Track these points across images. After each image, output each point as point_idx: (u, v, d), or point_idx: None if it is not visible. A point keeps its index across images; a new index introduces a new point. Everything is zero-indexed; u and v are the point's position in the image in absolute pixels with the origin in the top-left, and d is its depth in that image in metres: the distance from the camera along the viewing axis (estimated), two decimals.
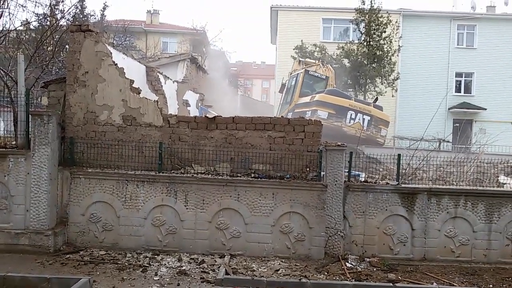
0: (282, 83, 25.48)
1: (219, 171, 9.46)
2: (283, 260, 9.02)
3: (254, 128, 9.48)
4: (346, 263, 8.86)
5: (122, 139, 9.53)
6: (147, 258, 8.78)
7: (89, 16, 28.52)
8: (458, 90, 30.84)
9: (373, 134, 17.96)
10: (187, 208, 9.20)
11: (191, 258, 8.89)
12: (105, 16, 29.74)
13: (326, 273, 8.37)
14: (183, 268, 8.36)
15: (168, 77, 16.58)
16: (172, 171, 9.45)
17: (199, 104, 20.98)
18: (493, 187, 10.55)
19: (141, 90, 9.75)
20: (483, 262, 9.34)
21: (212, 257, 9.05)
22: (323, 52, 27.02)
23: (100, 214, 9.30)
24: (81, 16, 27.66)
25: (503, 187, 10.81)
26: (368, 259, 9.09)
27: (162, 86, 14.33)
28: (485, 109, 29.77)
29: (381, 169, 13.92)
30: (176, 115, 9.80)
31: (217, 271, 8.15)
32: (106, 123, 9.60)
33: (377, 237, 9.38)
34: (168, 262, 8.63)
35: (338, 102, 17.51)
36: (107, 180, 9.25)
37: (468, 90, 30.79)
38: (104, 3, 29.10)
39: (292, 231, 9.19)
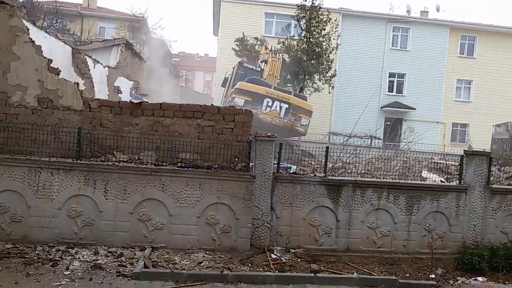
0: (224, 77, 25.23)
1: (144, 159, 9.02)
2: (207, 252, 8.78)
3: (183, 115, 9.12)
4: (271, 255, 8.81)
5: (36, 123, 8.78)
6: (59, 252, 8.17)
7: None
8: (391, 89, 32.18)
9: (291, 123, 18.08)
10: (106, 199, 8.67)
11: (109, 251, 8.40)
12: None
13: (250, 265, 8.26)
14: (99, 261, 7.88)
15: (98, 61, 15.68)
16: (92, 159, 8.87)
17: (133, 92, 20.14)
18: (416, 181, 10.99)
19: (60, 71, 9.04)
20: (402, 252, 9.69)
21: (132, 250, 8.60)
22: (264, 46, 26.97)
23: (8, 204, 8.50)
24: None
25: (425, 181, 11.31)
26: (293, 250, 9.10)
27: (89, 69, 13.48)
28: (414, 108, 31.34)
29: (313, 163, 14.15)
30: (98, 98, 9.20)
31: (135, 264, 7.77)
32: (19, 105, 8.82)
33: (303, 228, 9.42)
34: (83, 256, 8.09)
35: (255, 90, 17.69)
36: (18, 167, 8.48)
37: (400, 90, 32.22)
38: None
39: (218, 223, 8.97)
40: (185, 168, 8.90)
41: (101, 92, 15.24)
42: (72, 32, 31.48)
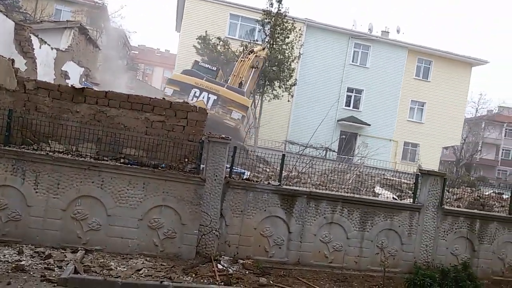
0: None
1: (82, 152, 8.10)
2: (148, 259, 8.01)
3: (130, 107, 8.31)
4: (218, 265, 8.18)
5: None
6: None
7: None
8: (348, 104, 32.53)
9: (219, 115, 17.61)
10: (36, 192, 7.69)
11: (35, 252, 7.44)
12: None
13: (194, 275, 7.59)
14: (22, 263, 6.92)
15: (45, 42, 14.40)
16: (23, 146, 7.85)
17: (83, 79, 18.85)
18: (369, 196, 10.75)
19: None
20: (353, 269, 9.36)
21: (63, 251, 7.68)
22: (226, 47, 26.41)
23: None
24: None
25: (378, 197, 11.11)
26: (242, 261, 8.53)
27: (33, 49, 12.27)
28: (369, 125, 31.86)
29: (268, 170, 13.67)
30: (35, 79, 8.18)
31: (64, 268, 6.87)
32: None
33: (253, 238, 8.87)
34: (4, 255, 7.11)
35: (185, 80, 17.51)
36: None
37: (356, 105, 32.66)
38: None
39: (162, 227, 8.22)
40: (129, 165, 8.08)
41: (46, 76, 13.99)
42: (24, 10, 29.46)
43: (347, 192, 10.73)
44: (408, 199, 10.67)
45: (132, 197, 8.06)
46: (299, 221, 9.09)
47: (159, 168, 8.29)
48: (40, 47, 13.65)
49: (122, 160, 8.20)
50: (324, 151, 22.10)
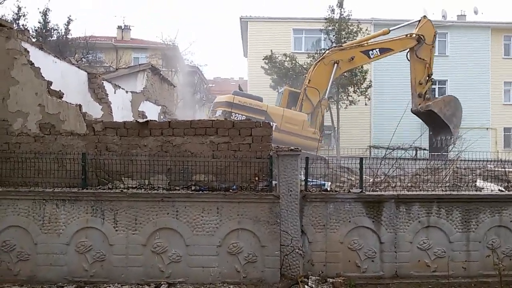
0: None
1: (154, 184, 8.12)
2: (231, 286, 7.73)
3: (194, 133, 8.21)
4: (306, 286, 7.60)
5: (39, 151, 8.15)
6: None
7: (53, 31, 27.23)
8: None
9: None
10: (116, 230, 7.81)
11: None
12: (69, 30, 28.40)
13: None
14: None
15: (119, 86, 15.27)
16: (99, 187, 8.08)
17: (162, 117, 19.67)
18: (469, 191, 9.45)
19: (62, 94, 8.42)
20: (462, 276, 8.18)
21: (148, 287, 7.66)
22: (293, 61, 26.12)
23: (14, 242, 7.84)
24: (44, 31, 26.36)
25: (481, 191, 9.75)
26: (331, 280, 7.84)
27: (107, 94, 13.01)
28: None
29: (352, 178, 12.83)
30: (102, 120, 8.47)
31: None
32: (21, 132, 8.24)
33: (341, 253, 8.14)
34: None
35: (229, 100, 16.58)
36: (22, 201, 7.82)
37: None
38: (68, 17, 27.80)
39: (242, 251, 7.87)
40: (200, 192, 7.92)
41: (125, 118, 14.69)
42: (105, 64, 32.14)
43: (445, 191, 9.56)
44: None
45: (207, 223, 7.85)
46: (390, 229, 8.19)
47: (231, 190, 8.02)
48: (115, 92, 14.48)
49: (193, 188, 8.08)
50: (414, 150, 20.54)
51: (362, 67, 24.31)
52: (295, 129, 15.94)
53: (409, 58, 18.12)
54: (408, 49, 18.12)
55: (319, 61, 17.44)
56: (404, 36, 17.98)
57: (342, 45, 19.75)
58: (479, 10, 33.63)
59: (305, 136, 16.15)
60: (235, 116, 15.00)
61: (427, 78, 17.80)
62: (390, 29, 18.19)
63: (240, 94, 16.75)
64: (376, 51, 17.54)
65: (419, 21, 18.23)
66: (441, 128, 17.06)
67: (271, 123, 11.49)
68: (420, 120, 29.00)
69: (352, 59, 17.18)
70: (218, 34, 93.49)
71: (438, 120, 17.08)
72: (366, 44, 17.82)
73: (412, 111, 18.06)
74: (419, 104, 17.53)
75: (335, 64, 16.70)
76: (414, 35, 17.57)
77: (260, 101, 16.54)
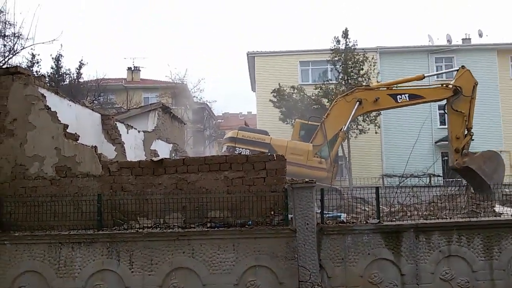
0: None
1: (170, 223, 8.10)
2: None
3: (208, 169, 8.24)
4: None
5: (55, 194, 8.23)
6: None
7: (65, 75, 28.01)
8: (443, 122, 30.01)
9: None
10: (132, 272, 7.74)
11: None
12: (81, 74, 29.19)
13: None
14: None
15: (132, 126, 15.47)
16: (114, 228, 8.08)
17: (173, 155, 19.77)
18: (489, 217, 9.25)
19: (78, 136, 8.58)
20: None
21: None
22: (302, 93, 26.36)
23: (29, 287, 7.79)
24: (57, 76, 27.14)
25: (499, 217, 9.53)
26: None
27: (120, 135, 13.19)
28: (472, 139, 28.88)
29: (367, 209, 12.65)
30: (117, 161, 8.57)
31: None
32: (37, 176, 8.36)
33: (361, 287, 7.92)
34: None
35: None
36: (37, 245, 7.86)
37: None
38: (80, 61, 28.61)
39: None
40: (216, 229, 7.88)
41: (137, 157, 14.79)
42: (117, 105, 32.74)
43: (463, 218, 9.37)
44: None
45: (224, 261, 7.75)
46: (411, 260, 7.99)
47: (246, 226, 7.96)
48: (127, 132, 14.66)
49: (208, 225, 8.03)
50: (427, 178, 20.24)
51: None
52: (300, 159, 15.79)
53: (446, 112, 17.35)
54: (442, 100, 17.42)
55: (342, 96, 17.16)
56: (440, 86, 17.31)
57: (369, 85, 19.32)
58: (483, 33, 33.96)
59: (311, 166, 15.96)
60: (239, 151, 15.05)
61: (466, 132, 16.77)
62: (425, 75, 17.60)
63: (246, 129, 16.97)
64: (405, 97, 16.61)
65: (457, 70, 17.47)
66: (481, 184, 15.81)
67: None
68: (433, 147, 28.88)
69: (377, 100, 16.64)
70: (226, 69, 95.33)
71: (477, 176, 15.92)
72: (395, 88, 17.24)
73: (450, 167, 17.12)
74: (456, 160, 16.37)
75: (357, 103, 16.32)
76: (450, 86, 16.80)
77: (266, 135, 16.64)
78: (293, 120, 21.99)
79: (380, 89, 16.91)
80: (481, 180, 15.59)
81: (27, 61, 24.39)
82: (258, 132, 16.56)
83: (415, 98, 16.50)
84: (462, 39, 33.50)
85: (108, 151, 12.00)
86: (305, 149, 15.95)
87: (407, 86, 16.95)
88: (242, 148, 15.31)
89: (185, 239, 7.77)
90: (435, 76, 26.49)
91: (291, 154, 15.52)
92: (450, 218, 9.41)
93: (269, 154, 8.86)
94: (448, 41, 33.23)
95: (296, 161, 15.46)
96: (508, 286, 7.92)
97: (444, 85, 16.61)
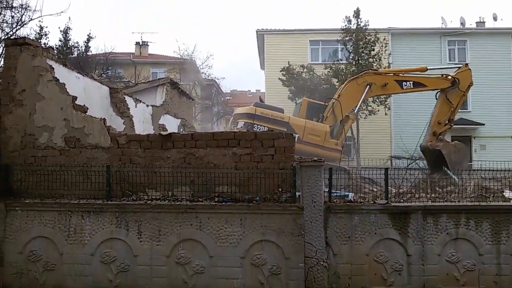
0: None
1: (178, 196, 8.14)
2: None
3: (217, 145, 8.22)
4: None
5: (65, 164, 8.28)
6: None
7: (73, 48, 27.88)
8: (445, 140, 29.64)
9: None
10: (141, 241, 7.85)
11: None
12: (89, 47, 29.04)
13: None
14: None
15: (140, 101, 15.44)
16: (123, 198, 8.14)
17: (181, 130, 19.79)
18: (498, 202, 9.20)
19: (87, 108, 8.57)
20: None
21: None
22: (311, 73, 26.10)
23: (40, 252, 7.99)
24: (65, 49, 27.02)
25: (509, 202, 9.48)
26: None
27: (128, 108, 13.16)
28: (483, 124, 28.60)
29: (375, 189, 12.65)
30: (125, 133, 8.58)
31: None
32: (47, 146, 8.41)
33: (366, 266, 7.97)
34: None
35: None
36: (48, 212, 7.97)
37: (464, 106, 29.59)
38: (88, 35, 28.43)
39: (266, 263, 7.79)
40: (223, 203, 7.92)
41: (146, 131, 14.80)
42: (125, 79, 32.67)
43: (471, 202, 9.33)
44: None
45: (231, 235, 7.82)
46: (417, 241, 7.99)
47: (254, 202, 7.98)
48: (136, 106, 14.63)
49: (216, 199, 8.07)
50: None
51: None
52: (317, 140, 15.77)
53: (437, 98, 17.93)
54: (439, 89, 17.95)
55: (352, 79, 17.39)
56: (440, 76, 17.83)
57: (378, 69, 19.74)
58: (498, 17, 33.20)
59: (328, 147, 15.98)
60: (257, 128, 14.92)
61: (448, 121, 17.55)
62: (428, 67, 18.11)
63: (262, 105, 16.66)
64: (410, 84, 17.35)
65: (460, 67, 18.11)
66: (438, 169, 16.62)
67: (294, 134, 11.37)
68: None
69: (385, 85, 17.07)
70: (235, 47, 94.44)
71: (441, 163, 16.66)
72: (401, 75, 17.74)
73: (421, 146, 17.80)
74: (430, 142, 17.20)
75: (368, 86, 16.61)
76: (449, 77, 17.38)
77: (282, 113, 16.47)
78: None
79: (388, 74, 17.36)
80: (440, 164, 16.11)
81: (35, 33, 24.27)
82: (274, 110, 16.40)
83: (418, 85, 17.27)
84: (476, 23, 32.78)
85: (117, 124, 12.00)
86: (322, 130, 15.90)
87: (412, 74, 17.50)
88: (261, 126, 15.18)
89: (193, 212, 7.83)
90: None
91: (309, 134, 15.58)
92: (458, 201, 9.40)
93: (289, 132, 8.76)
94: (461, 24, 32.52)
95: (314, 141, 15.50)
96: None
97: (444, 75, 17.17)
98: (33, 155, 8.40)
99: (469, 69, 17.58)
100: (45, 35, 24.84)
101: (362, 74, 17.37)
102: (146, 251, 7.83)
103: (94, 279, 7.87)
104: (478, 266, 7.94)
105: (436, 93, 17.76)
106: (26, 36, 18.13)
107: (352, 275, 7.92)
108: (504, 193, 11.13)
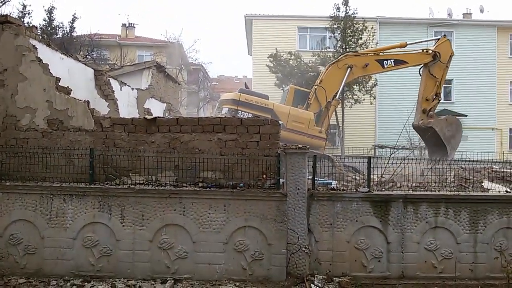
0: None
1: (162, 180, 8.13)
2: (237, 284, 7.72)
3: (202, 130, 8.20)
4: (312, 285, 7.59)
5: (47, 147, 8.16)
6: (74, 286, 7.39)
7: (58, 29, 27.21)
8: (436, 116, 30.00)
9: None
10: (123, 226, 7.83)
11: (127, 285, 7.57)
12: (74, 28, 28.38)
13: None
14: None
15: (125, 84, 15.27)
16: (106, 182, 8.09)
17: (166, 114, 19.65)
18: (477, 192, 9.42)
19: (70, 90, 8.43)
20: (469, 278, 8.14)
21: (153, 282, 7.68)
22: (298, 60, 26.04)
23: (21, 235, 7.90)
24: (49, 29, 26.36)
25: (488, 192, 9.70)
26: (337, 279, 7.84)
27: (113, 91, 13.01)
28: (466, 115, 29.04)
29: (358, 178, 12.79)
30: (109, 116, 8.47)
31: None
32: (29, 128, 8.27)
33: (347, 252, 8.12)
34: None
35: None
36: (29, 195, 7.86)
37: (448, 96, 30.00)
38: (73, 15, 27.80)
39: (248, 249, 7.88)
40: (207, 189, 7.93)
41: (131, 115, 14.69)
42: (110, 61, 32.10)
43: (451, 191, 9.53)
44: None
45: (214, 221, 7.86)
46: (397, 229, 8.16)
47: (238, 188, 8.01)
48: (121, 89, 14.48)
49: (200, 185, 8.08)
50: (419, 150, 20.46)
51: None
52: (301, 127, 15.84)
53: (421, 74, 18.01)
54: (421, 65, 17.99)
55: (333, 63, 17.35)
56: (421, 51, 17.84)
57: (358, 51, 19.70)
58: (485, 9, 33.49)
59: (311, 135, 16.06)
60: (241, 114, 14.88)
61: (435, 96, 17.67)
62: (408, 43, 18.07)
63: (246, 92, 16.58)
64: (391, 62, 17.41)
65: (439, 39, 18.12)
66: (437, 147, 16.85)
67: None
68: None
69: (366, 66, 17.07)
70: (222, 32, 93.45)
71: (436, 139, 16.92)
72: (381, 54, 17.70)
73: (413, 125, 17.95)
74: (421, 120, 17.38)
75: (349, 69, 16.60)
76: (430, 51, 17.43)
77: (266, 99, 16.44)
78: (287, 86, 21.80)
79: (368, 55, 17.39)
80: (438, 142, 16.42)
81: (17, 11, 23.66)
82: (259, 96, 16.35)
83: (400, 63, 17.39)
84: (463, 14, 33.03)
85: (101, 106, 11.89)
86: (306, 118, 15.96)
87: (392, 52, 17.55)
88: (245, 112, 15.14)
89: (177, 197, 7.82)
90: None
91: (293, 121, 15.62)
92: (439, 190, 9.59)
93: (275, 119, 8.77)
94: (448, 14, 32.76)
95: (298, 129, 15.56)
96: (490, 259, 8.16)
97: (425, 50, 17.30)
98: (15, 137, 8.25)
99: (448, 40, 17.81)
100: (28, 13, 24.26)
101: (342, 57, 17.43)
102: (128, 235, 7.82)
103: (75, 263, 7.84)
104: (455, 254, 8.16)
105: (419, 69, 17.92)
106: (8, 14, 17.64)
107: (333, 262, 8.06)
108: (483, 184, 11.41)
